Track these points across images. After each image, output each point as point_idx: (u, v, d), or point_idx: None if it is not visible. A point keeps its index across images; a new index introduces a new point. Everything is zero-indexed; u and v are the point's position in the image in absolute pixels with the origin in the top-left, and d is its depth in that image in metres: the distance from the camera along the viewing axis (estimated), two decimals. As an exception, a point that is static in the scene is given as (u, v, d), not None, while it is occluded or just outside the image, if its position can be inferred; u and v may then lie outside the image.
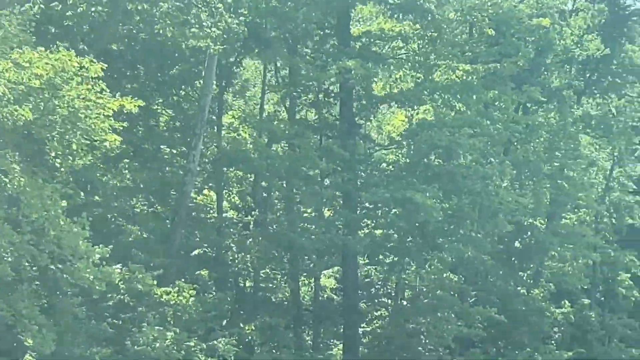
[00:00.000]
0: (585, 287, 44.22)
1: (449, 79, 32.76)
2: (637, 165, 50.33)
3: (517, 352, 39.91)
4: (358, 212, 31.90)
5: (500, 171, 31.71)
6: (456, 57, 32.58)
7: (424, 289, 35.62)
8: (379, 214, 31.31)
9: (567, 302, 45.23)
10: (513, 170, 33.35)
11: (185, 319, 24.63)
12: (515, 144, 39.99)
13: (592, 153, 48.01)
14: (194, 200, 30.66)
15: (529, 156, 39.40)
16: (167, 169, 30.19)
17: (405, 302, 35.10)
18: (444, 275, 35.63)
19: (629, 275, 49.11)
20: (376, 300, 34.44)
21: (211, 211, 30.97)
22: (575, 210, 47.29)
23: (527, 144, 37.83)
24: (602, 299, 49.92)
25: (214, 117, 31.00)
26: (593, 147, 48.82)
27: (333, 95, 32.94)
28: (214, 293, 26.92)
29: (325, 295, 33.49)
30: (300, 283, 32.66)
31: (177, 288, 24.48)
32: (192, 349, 23.54)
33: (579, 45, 42.04)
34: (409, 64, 32.94)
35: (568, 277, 41.66)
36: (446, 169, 31.07)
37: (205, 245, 30.53)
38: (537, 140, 41.26)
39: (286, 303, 32.31)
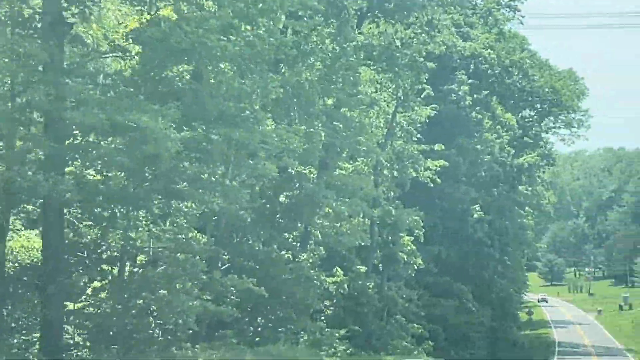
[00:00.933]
0: (363, 243, 39.12)
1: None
2: (423, 109, 45.67)
3: (280, 331, 35.27)
4: (65, 143, 23.85)
5: (262, 88, 24.58)
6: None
7: (160, 252, 28.47)
8: (93, 146, 23.40)
9: (339, 269, 41.46)
10: (280, 89, 26.40)
11: None
12: (284, 70, 33.48)
13: (374, 92, 43.08)
14: None
15: (302, 85, 33.08)
16: None
17: (134, 270, 27.54)
18: (189, 234, 29.50)
19: (411, 238, 44.98)
20: (91, 269, 26.52)
21: None
22: (351, 161, 42.23)
23: (298, 65, 31.19)
24: (381, 266, 46.35)
25: None
26: (374, 85, 43.94)
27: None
28: None
29: (16, 263, 25.34)
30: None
31: None
32: None
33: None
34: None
35: (345, 238, 37.26)
36: (188, 84, 23.59)
37: None
38: (312, 71, 35.24)
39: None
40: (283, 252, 37.39)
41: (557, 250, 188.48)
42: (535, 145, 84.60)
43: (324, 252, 39.14)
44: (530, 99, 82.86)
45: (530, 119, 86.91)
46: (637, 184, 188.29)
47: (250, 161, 28.27)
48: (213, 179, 27.67)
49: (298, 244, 38.61)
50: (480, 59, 64.59)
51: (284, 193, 37.17)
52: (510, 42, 78.87)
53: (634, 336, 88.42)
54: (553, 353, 76.18)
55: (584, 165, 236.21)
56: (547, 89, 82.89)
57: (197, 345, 28.35)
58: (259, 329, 34.83)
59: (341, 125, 38.61)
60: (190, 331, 28.33)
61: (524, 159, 74.80)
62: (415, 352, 43.20)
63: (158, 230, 28.31)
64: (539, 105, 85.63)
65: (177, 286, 27.45)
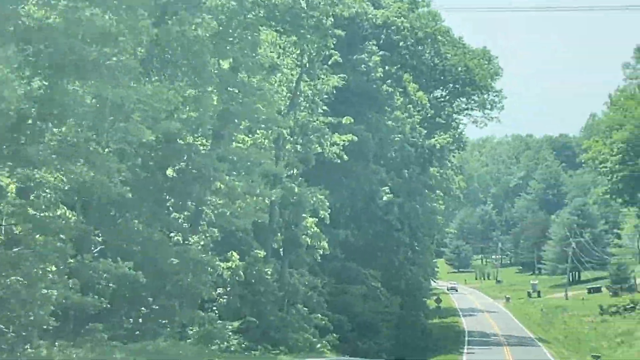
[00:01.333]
0: (261, 221, 36.56)
1: None
2: (330, 77, 42.11)
3: (163, 324, 31.93)
4: None
5: (131, 28, 20.18)
6: None
7: (19, 232, 24.57)
8: None
9: (235, 253, 38.58)
10: (154, 30, 22.07)
11: None
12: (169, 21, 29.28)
13: (276, 57, 39.43)
14: None
15: (191, 42, 29.08)
16: None
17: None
18: (58, 212, 26.13)
19: (315, 219, 43.60)
20: None
21: None
22: (250, 134, 39.05)
23: (184, 13, 27.10)
24: (281, 250, 43.90)
25: None
26: (276, 50, 40.36)
27: None
28: None
29: None
30: None
31: None
32: None
33: None
34: None
35: (241, 218, 34.70)
36: (36, 22, 19.16)
37: None
38: (205, 27, 31.28)
39: None
40: (172, 234, 33.85)
41: (464, 237, 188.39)
42: (448, 127, 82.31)
43: (217, 234, 36.63)
44: (442, 77, 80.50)
45: (443, 99, 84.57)
46: (544, 171, 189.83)
47: (122, 124, 23.93)
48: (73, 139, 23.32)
49: (189, 225, 35.27)
50: (392, 28, 61.55)
51: (171, 166, 33.11)
52: (423, 18, 76.14)
53: (543, 324, 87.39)
54: (463, 343, 73.70)
55: (492, 152, 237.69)
56: (460, 68, 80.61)
57: (57, 343, 24.02)
58: (139, 322, 31.00)
59: (238, 91, 34.97)
60: (52, 325, 24.13)
61: (436, 140, 72.09)
62: (319, 345, 40.01)
63: (13, 205, 23.98)
64: (451, 85, 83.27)
65: (34, 272, 23.20)
